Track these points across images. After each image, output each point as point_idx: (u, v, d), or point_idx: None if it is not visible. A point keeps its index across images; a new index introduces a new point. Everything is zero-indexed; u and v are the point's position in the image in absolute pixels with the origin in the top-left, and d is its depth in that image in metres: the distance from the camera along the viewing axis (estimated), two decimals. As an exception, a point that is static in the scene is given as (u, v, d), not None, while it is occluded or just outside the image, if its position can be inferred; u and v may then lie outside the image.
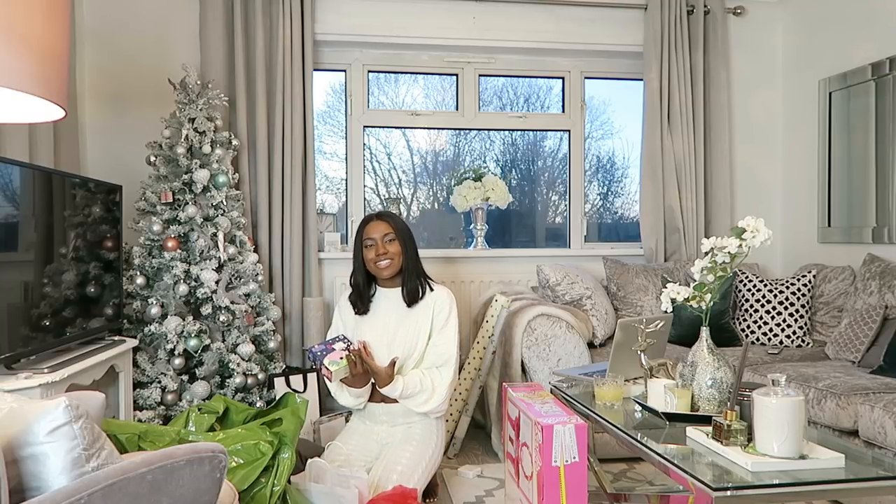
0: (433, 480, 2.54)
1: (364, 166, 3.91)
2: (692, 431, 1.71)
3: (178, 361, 2.83)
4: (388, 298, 2.56)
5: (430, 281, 2.57)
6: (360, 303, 2.55)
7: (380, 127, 3.97)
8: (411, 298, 2.50)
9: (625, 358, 2.18)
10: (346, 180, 3.89)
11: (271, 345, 3.11)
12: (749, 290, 3.44)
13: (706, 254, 1.89)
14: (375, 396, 2.48)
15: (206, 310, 2.92)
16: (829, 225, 3.69)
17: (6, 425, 1.17)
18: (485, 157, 4.20)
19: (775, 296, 3.38)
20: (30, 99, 1.58)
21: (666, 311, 2.00)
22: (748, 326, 3.38)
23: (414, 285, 2.51)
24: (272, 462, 2.02)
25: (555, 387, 2.33)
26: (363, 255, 2.52)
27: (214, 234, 2.96)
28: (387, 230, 2.49)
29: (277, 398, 2.46)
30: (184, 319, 2.85)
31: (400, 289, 2.52)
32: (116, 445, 1.86)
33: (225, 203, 2.99)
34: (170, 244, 2.87)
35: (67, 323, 2.33)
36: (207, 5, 3.39)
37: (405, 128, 4.01)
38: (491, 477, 2.77)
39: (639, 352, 2.05)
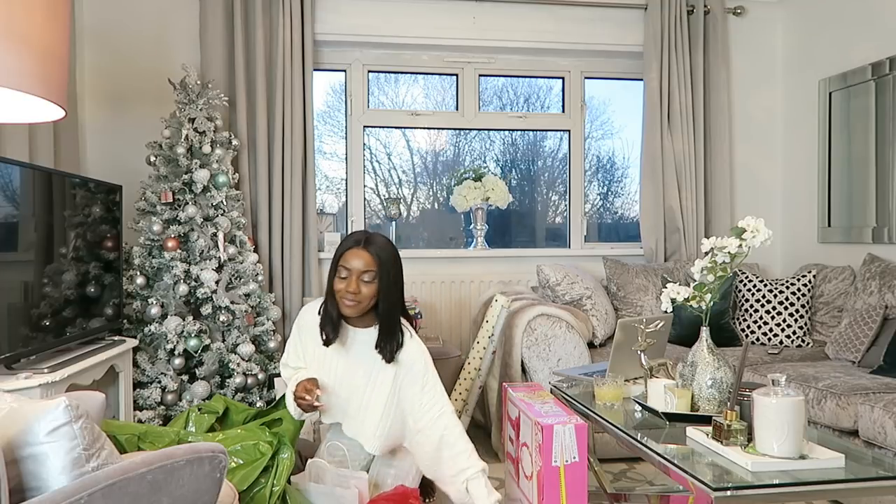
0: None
1: (364, 166, 3.91)
2: (692, 431, 1.71)
3: (178, 361, 2.83)
4: (357, 342, 2.16)
5: (404, 329, 2.15)
6: (332, 332, 2.12)
7: (380, 127, 3.97)
8: (389, 356, 2.09)
9: (625, 358, 2.18)
10: (346, 180, 3.89)
11: (271, 345, 3.10)
12: (749, 290, 3.43)
13: (706, 254, 1.89)
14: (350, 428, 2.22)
15: (206, 310, 2.92)
16: (829, 225, 3.69)
17: (6, 425, 1.17)
18: (485, 157, 4.20)
19: (775, 296, 3.37)
20: (30, 99, 1.58)
21: (666, 311, 2.00)
22: (748, 326, 3.38)
23: (391, 341, 2.09)
24: (272, 462, 2.01)
25: (555, 387, 2.33)
26: (333, 281, 2.08)
27: (214, 234, 2.96)
28: (369, 266, 2.02)
29: (277, 398, 2.45)
30: (184, 319, 2.85)
31: (369, 330, 2.14)
32: (116, 446, 1.86)
33: (225, 203, 2.99)
34: (170, 244, 2.87)
35: (67, 323, 2.33)
36: (207, 5, 3.39)
37: (405, 128, 4.01)
38: (491, 477, 2.75)
39: (639, 352, 2.05)
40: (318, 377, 2.16)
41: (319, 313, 2.15)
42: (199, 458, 1.22)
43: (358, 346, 2.15)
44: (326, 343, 2.14)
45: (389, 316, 2.08)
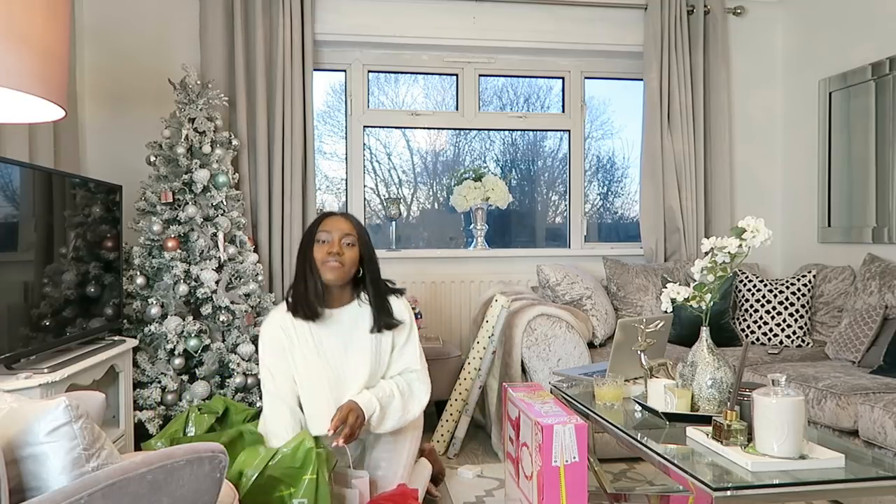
0: (438, 466, 2.57)
1: (364, 166, 3.91)
2: (692, 431, 1.71)
3: (178, 361, 2.83)
4: (335, 321, 2.20)
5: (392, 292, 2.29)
6: (310, 308, 2.13)
7: (380, 127, 3.97)
8: (385, 324, 2.19)
9: (625, 358, 2.18)
10: (346, 180, 3.89)
11: (271, 345, 3.10)
12: (749, 290, 3.43)
13: (706, 254, 1.88)
14: None
15: (206, 310, 2.92)
16: (829, 225, 3.69)
17: (6, 425, 1.17)
18: (485, 157, 4.20)
19: (775, 296, 3.37)
20: (30, 99, 1.58)
21: (666, 311, 2.00)
22: (748, 326, 3.38)
23: (384, 308, 2.19)
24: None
25: (555, 387, 2.33)
26: (312, 253, 2.13)
27: (214, 234, 2.96)
28: (349, 230, 2.13)
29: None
30: (184, 319, 2.84)
31: (347, 308, 2.22)
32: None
33: (225, 203, 2.99)
34: (170, 244, 2.87)
35: (67, 323, 2.33)
36: (207, 5, 3.39)
37: (405, 128, 4.01)
38: (491, 477, 2.77)
39: (639, 352, 2.05)
40: (310, 377, 2.15)
41: (289, 308, 2.16)
42: (199, 458, 1.22)
43: (335, 327, 2.20)
44: (313, 317, 2.13)
45: (376, 285, 2.20)
